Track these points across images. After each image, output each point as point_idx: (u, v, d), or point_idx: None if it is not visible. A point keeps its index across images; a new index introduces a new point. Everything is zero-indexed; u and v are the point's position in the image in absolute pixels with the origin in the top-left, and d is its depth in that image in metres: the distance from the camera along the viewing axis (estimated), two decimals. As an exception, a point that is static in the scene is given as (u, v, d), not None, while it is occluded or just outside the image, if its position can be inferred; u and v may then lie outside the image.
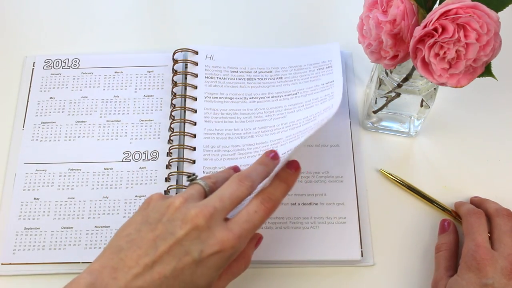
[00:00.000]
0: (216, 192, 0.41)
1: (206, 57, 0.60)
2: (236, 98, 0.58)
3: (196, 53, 0.61)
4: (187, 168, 0.54)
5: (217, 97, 0.58)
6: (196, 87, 0.59)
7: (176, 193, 0.54)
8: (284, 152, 0.47)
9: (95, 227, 0.52)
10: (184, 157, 0.55)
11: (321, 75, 0.58)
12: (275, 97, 0.58)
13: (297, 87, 0.58)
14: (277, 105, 0.57)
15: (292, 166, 0.43)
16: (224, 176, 0.43)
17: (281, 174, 0.43)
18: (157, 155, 0.56)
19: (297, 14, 0.67)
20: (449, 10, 0.40)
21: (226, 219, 0.40)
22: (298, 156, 0.55)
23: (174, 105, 0.58)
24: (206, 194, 0.42)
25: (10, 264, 0.51)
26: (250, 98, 0.58)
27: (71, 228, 0.52)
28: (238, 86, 0.59)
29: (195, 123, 0.57)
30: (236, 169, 0.47)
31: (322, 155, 0.56)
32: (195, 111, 0.57)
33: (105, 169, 0.55)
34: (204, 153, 0.55)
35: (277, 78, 0.59)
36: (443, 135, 0.58)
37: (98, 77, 0.60)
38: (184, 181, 0.54)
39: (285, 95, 0.58)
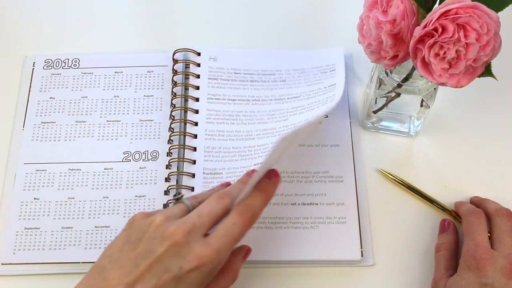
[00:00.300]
0: (196, 209, 0.41)
1: (210, 58, 0.60)
2: (238, 100, 0.58)
3: (198, 54, 0.61)
4: (187, 168, 0.54)
5: (219, 98, 0.58)
6: (197, 88, 0.59)
7: (176, 193, 0.54)
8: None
9: (95, 227, 0.52)
10: (185, 157, 0.55)
11: (324, 79, 0.58)
12: (278, 99, 0.58)
13: (300, 90, 0.58)
14: (279, 107, 0.57)
15: (272, 176, 0.43)
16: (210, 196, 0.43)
17: (260, 184, 0.43)
18: (157, 155, 0.56)
19: (297, 14, 0.67)
20: (449, 10, 0.40)
21: (207, 235, 0.39)
22: (298, 156, 0.55)
23: (174, 105, 0.58)
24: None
25: (10, 264, 0.51)
26: (253, 100, 0.58)
27: (71, 228, 0.52)
28: (241, 88, 0.59)
29: (196, 124, 0.57)
30: (228, 184, 0.47)
31: (322, 155, 0.56)
32: (197, 112, 0.57)
33: (105, 169, 0.55)
34: (205, 154, 0.55)
35: (280, 81, 0.59)
36: (443, 135, 0.58)
37: (98, 77, 0.60)
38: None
39: (288, 98, 0.58)
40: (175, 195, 0.43)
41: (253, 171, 0.45)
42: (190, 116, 0.57)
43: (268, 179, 0.43)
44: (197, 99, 0.58)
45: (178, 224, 0.38)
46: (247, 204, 0.41)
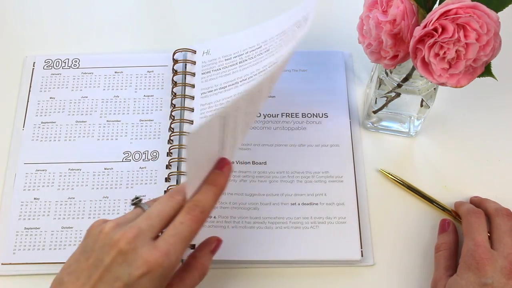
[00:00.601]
0: (145, 211, 0.39)
1: (203, 53, 0.60)
2: (228, 86, 0.57)
3: (194, 52, 0.61)
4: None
5: (211, 90, 0.58)
6: (193, 86, 0.59)
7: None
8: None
9: (95, 227, 0.52)
10: (183, 156, 0.55)
11: (299, 32, 0.54)
12: (262, 71, 0.56)
13: (279, 54, 0.55)
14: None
15: (222, 165, 0.41)
16: None
17: (209, 177, 0.40)
18: (157, 155, 0.56)
19: (297, 14, 0.67)
20: (449, 10, 0.40)
21: (158, 237, 0.38)
22: (298, 156, 0.55)
23: (174, 105, 0.58)
24: None
25: (10, 264, 0.51)
26: (241, 81, 0.57)
27: (71, 228, 0.52)
28: (231, 72, 0.58)
29: (192, 122, 0.57)
30: None
31: (322, 155, 0.56)
32: (193, 110, 0.57)
33: (105, 169, 0.55)
34: None
35: (265, 51, 0.57)
36: (443, 135, 0.58)
37: (98, 77, 0.60)
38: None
39: (269, 67, 0.55)
40: (132, 200, 0.42)
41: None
42: (188, 115, 0.57)
43: (218, 170, 0.40)
44: (193, 98, 0.58)
45: (123, 231, 0.37)
46: (195, 200, 0.39)
